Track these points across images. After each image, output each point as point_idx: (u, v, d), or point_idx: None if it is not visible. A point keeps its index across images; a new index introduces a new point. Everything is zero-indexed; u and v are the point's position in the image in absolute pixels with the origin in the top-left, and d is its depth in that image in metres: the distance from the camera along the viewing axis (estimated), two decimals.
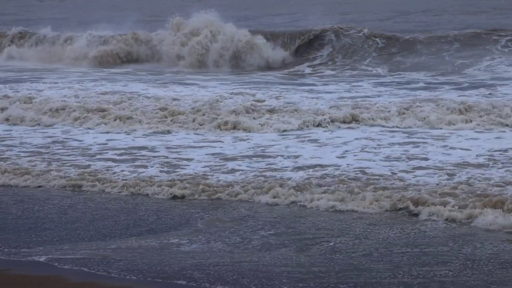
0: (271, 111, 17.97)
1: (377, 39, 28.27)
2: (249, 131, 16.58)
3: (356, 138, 15.66)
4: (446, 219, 10.50)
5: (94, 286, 8.25)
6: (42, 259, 9.06)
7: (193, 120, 17.49)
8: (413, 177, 12.44)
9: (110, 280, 8.38)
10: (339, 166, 13.33)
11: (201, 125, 17.24)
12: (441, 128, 16.46)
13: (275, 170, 13.32)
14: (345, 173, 12.81)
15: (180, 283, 8.28)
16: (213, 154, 14.75)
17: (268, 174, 13.04)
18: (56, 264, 8.90)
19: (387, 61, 26.87)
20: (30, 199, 12.20)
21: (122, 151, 15.23)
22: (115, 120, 17.77)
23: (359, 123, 16.99)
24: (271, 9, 43.56)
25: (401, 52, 27.42)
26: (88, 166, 13.94)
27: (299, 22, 33.93)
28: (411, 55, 27.16)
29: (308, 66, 27.15)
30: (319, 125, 16.87)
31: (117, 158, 14.65)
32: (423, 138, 15.62)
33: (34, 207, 11.76)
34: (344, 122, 17.04)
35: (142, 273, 8.59)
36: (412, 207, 10.93)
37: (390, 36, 28.63)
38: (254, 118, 17.34)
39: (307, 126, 16.83)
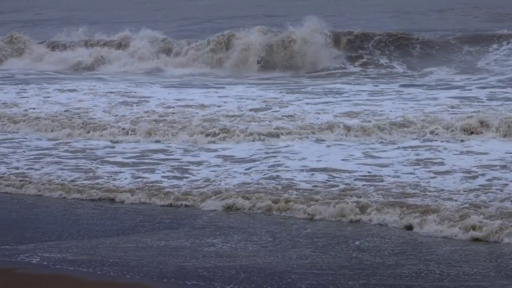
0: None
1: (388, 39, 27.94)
2: None
3: None
4: None
5: (100, 285, 8.19)
6: (50, 259, 8.98)
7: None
8: None
9: (116, 280, 8.30)
10: None
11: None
12: None
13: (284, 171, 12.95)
14: None
15: (182, 283, 8.15)
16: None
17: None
18: (62, 264, 8.81)
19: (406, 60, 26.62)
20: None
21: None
22: None
23: None
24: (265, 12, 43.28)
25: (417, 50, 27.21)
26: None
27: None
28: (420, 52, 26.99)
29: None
30: None
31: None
32: None
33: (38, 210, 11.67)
34: None
35: (143, 272, 8.49)
36: None
37: (402, 34, 28.36)
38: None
39: None
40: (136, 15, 43.13)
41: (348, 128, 16.04)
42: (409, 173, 12.67)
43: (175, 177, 12.98)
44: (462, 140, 15.12)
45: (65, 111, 18.93)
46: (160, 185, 12.50)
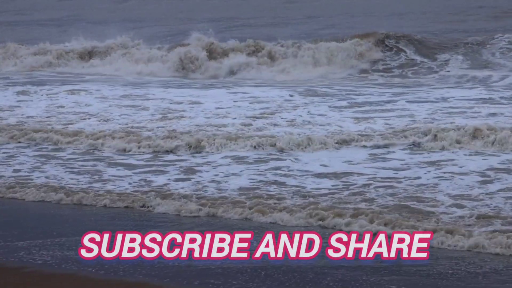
0: None
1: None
2: None
3: None
4: None
5: (104, 284, 8.16)
6: (53, 258, 8.94)
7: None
8: None
9: (121, 279, 8.26)
10: None
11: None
12: None
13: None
14: None
15: (187, 283, 8.04)
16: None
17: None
18: (66, 263, 8.78)
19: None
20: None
21: None
22: None
23: None
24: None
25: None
26: None
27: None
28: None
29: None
30: None
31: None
32: None
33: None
34: None
35: (148, 271, 8.43)
36: None
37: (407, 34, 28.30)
38: None
39: None
40: (139, 15, 43.23)
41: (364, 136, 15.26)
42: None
43: (180, 179, 12.78)
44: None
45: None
46: (166, 187, 12.33)
